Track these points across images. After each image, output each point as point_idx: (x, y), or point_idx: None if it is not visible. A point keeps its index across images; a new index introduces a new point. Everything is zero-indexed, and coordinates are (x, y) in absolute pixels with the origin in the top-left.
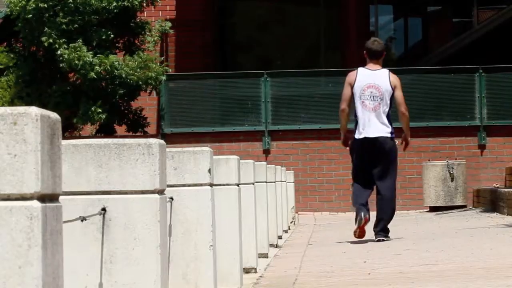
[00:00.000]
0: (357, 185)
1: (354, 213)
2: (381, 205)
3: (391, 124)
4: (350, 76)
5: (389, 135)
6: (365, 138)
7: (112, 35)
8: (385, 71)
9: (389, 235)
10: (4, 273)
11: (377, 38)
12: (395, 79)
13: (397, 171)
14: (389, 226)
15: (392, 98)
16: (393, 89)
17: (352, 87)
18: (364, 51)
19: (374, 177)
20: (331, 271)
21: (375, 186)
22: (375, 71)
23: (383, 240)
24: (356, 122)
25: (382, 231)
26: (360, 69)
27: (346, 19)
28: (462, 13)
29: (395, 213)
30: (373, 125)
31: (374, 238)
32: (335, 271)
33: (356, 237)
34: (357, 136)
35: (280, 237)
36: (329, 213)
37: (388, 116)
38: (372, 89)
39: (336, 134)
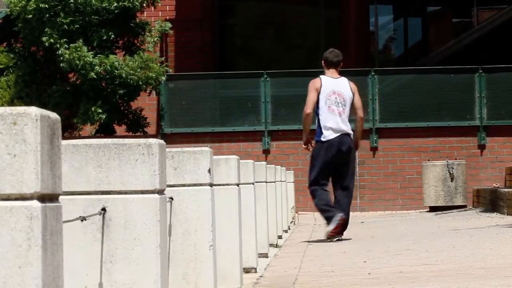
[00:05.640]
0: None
1: (322, 215)
2: (344, 202)
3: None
4: (315, 82)
5: (352, 138)
6: (335, 140)
7: (112, 36)
8: (345, 79)
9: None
10: (4, 273)
11: (334, 49)
12: (353, 85)
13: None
14: (389, 226)
15: (352, 103)
16: (353, 94)
17: (318, 93)
18: (322, 61)
19: (337, 177)
20: (331, 271)
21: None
22: (336, 79)
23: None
24: (319, 126)
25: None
26: (322, 76)
27: (346, 19)
28: (462, 13)
29: (397, 211)
30: (340, 129)
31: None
32: (335, 271)
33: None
34: (323, 139)
35: (280, 237)
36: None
37: (349, 121)
38: (336, 95)
39: None
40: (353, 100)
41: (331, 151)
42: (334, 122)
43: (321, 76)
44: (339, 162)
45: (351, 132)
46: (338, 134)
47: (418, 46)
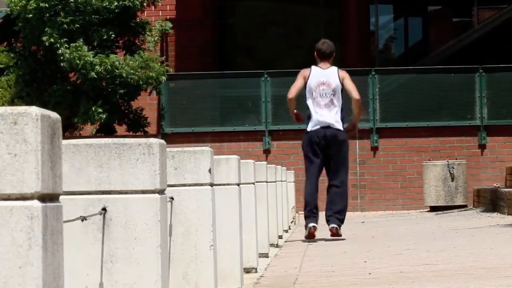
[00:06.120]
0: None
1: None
2: (335, 197)
3: (343, 120)
4: (304, 71)
5: (341, 128)
6: (320, 130)
7: (113, 35)
8: (334, 68)
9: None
10: (4, 273)
11: (326, 40)
12: (343, 73)
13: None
14: (390, 225)
15: (343, 91)
16: (342, 82)
17: (305, 81)
18: (315, 52)
19: (327, 170)
20: (331, 271)
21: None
22: (325, 70)
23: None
24: (309, 117)
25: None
26: (313, 67)
27: (346, 19)
28: (462, 13)
29: (397, 211)
30: (326, 119)
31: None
32: (335, 270)
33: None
34: (308, 129)
35: (280, 237)
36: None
37: (341, 111)
38: (323, 87)
39: None
40: (343, 87)
41: (314, 140)
42: (319, 114)
43: (312, 66)
44: (326, 151)
45: (338, 123)
46: (320, 126)
47: (418, 45)
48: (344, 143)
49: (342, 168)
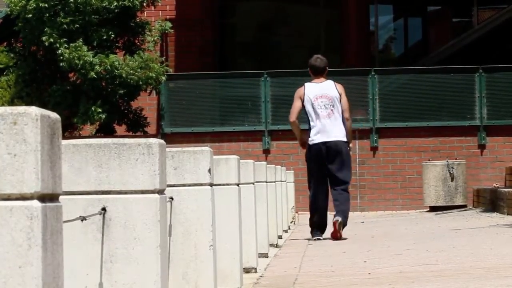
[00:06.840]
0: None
1: (310, 221)
2: (341, 199)
3: (344, 127)
4: (299, 91)
5: (344, 139)
6: (322, 143)
7: (112, 35)
8: (330, 81)
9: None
10: (4, 273)
11: (319, 55)
12: (339, 87)
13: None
14: (390, 225)
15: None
16: (340, 94)
17: (302, 100)
18: (309, 68)
19: (331, 177)
20: (331, 271)
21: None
22: (321, 83)
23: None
24: (309, 130)
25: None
26: (307, 84)
27: (346, 19)
28: (462, 13)
29: (397, 211)
30: (328, 130)
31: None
32: (335, 271)
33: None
34: (310, 142)
35: (280, 237)
36: (329, 213)
37: (342, 121)
38: (322, 99)
39: None
40: (340, 100)
41: (317, 154)
42: (321, 125)
43: (305, 83)
44: (329, 162)
45: (340, 134)
46: (322, 140)
47: (418, 46)
48: (346, 152)
49: (346, 177)
